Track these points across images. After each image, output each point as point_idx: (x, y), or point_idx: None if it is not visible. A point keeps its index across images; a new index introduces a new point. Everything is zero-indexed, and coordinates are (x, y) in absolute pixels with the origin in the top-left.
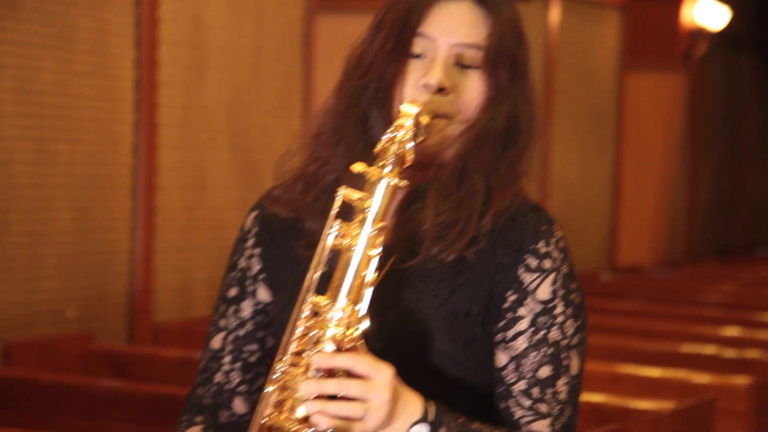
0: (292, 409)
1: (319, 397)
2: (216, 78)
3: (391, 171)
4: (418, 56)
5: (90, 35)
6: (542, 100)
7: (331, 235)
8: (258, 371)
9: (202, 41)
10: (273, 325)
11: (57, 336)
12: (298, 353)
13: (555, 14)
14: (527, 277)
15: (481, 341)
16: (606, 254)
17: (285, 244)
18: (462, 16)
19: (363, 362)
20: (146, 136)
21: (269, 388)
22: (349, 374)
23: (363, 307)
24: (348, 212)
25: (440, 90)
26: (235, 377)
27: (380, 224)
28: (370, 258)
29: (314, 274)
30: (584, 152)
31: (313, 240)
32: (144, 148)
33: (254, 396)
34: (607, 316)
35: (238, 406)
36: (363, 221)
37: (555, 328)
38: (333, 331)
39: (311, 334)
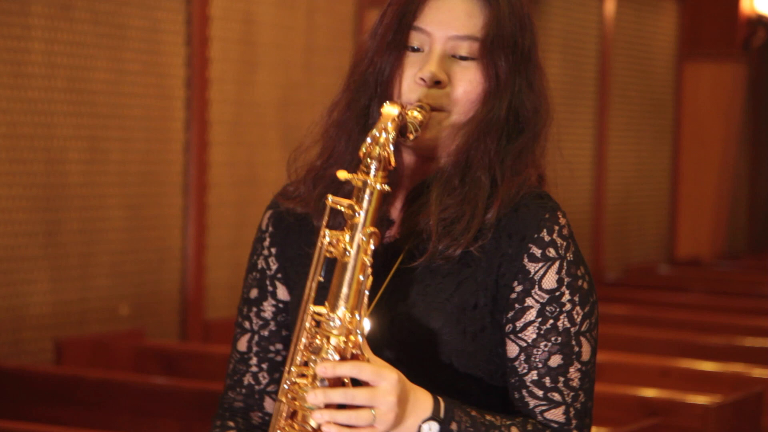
0: (304, 419)
1: (328, 406)
2: (267, 74)
3: (375, 176)
4: (416, 50)
5: (141, 34)
6: (598, 91)
7: (324, 244)
8: None
9: (252, 38)
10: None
11: (109, 333)
12: (305, 363)
13: (610, 4)
14: (532, 267)
15: (489, 332)
16: (664, 247)
17: (298, 241)
18: (457, 7)
19: (367, 369)
20: (197, 134)
21: (280, 400)
22: (355, 381)
23: (362, 312)
24: (341, 217)
25: (436, 83)
26: (264, 378)
27: (371, 229)
28: (364, 264)
29: (311, 284)
30: (642, 144)
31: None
32: (195, 145)
33: None
34: (665, 310)
35: (270, 406)
36: (353, 228)
37: (563, 316)
38: (335, 340)
39: (315, 344)
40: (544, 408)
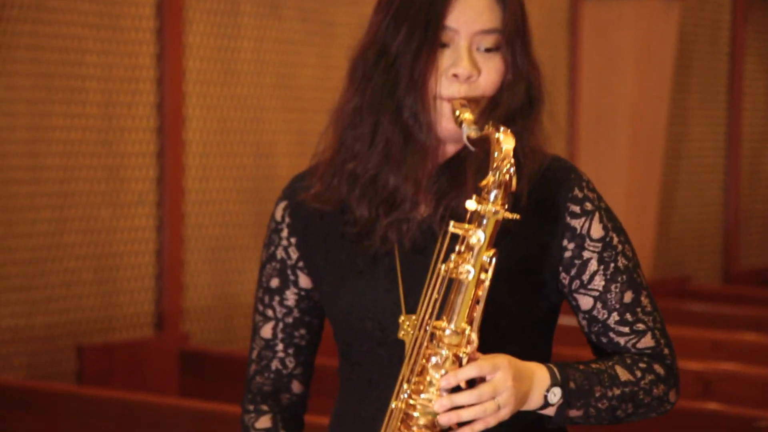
0: (420, 423)
1: (452, 409)
2: None
3: (495, 202)
4: (444, 45)
5: (348, 30)
6: None
7: (450, 268)
8: (309, 352)
9: None
10: (317, 308)
11: None
12: (420, 372)
13: None
14: (577, 223)
15: (531, 293)
16: None
17: (322, 230)
18: (480, 3)
19: (485, 366)
20: None
21: (395, 405)
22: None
23: (475, 323)
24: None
25: (468, 77)
26: (291, 362)
27: (491, 252)
28: (482, 281)
29: (430, 302)
30: None
31: (366, 227)
32: None
33: (308, 373)
34: None
35: (296, 387)
36: (472, 249)
37: (620, 256)
38: (454, 350)
39: (434, 354)
40: (635, 341)
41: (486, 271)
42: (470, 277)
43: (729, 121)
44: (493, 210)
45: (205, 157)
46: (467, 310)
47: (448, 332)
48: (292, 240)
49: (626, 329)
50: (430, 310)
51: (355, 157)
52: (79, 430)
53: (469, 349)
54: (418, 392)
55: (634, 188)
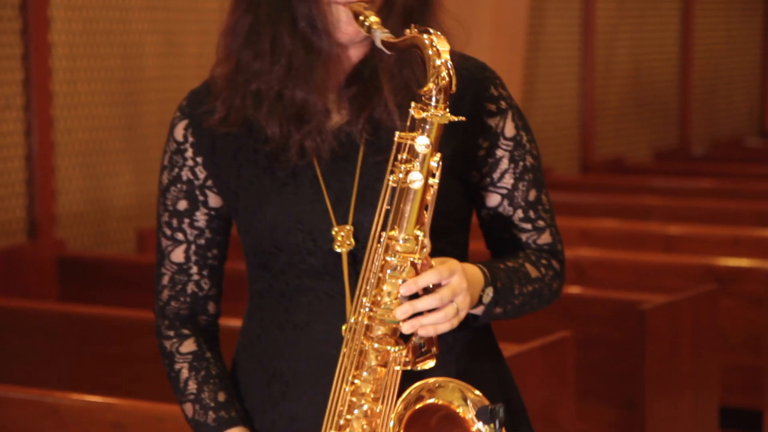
0: (382, 332)
1: (413, 316)
2: None
3: (437, 107)
4: None
5: None
6: None
7: (399, 179)
8: (221, 271)
9: None
10: (227, 227)
11: None
12: (377, 284)
13: None
14: (492, 122)
15: (456, 190)
16: (755, 119)
17: (231, 147)
18: None
19: (443, 271)
20: None
21: (355, 319)
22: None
23: (426, 230)
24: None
25: None
26: (206, 284)
27: (437, 156)
28: (429, 186)
29: (382, 213)
30: (731, 16)
31: (280, 143)
32: None
33: (221, 293)
34: (750, 181)
35: (212, 307)
36: (418, 155)
37: (527, 155)
38: (409, 257)
39: (390, 265)
40: (535, 237)
41: (433, 176)
42: (418, 185)
43: (583, 13)
44: (439, 115)
45: (72, 60)
46: (416, 216)
47: (401, 241)
48: (198, 159)
49: (529, 226)
50: (381, 221)
51: (256, 76)
52: None
53: (424, 252)
54: (377, 303)
55: None
